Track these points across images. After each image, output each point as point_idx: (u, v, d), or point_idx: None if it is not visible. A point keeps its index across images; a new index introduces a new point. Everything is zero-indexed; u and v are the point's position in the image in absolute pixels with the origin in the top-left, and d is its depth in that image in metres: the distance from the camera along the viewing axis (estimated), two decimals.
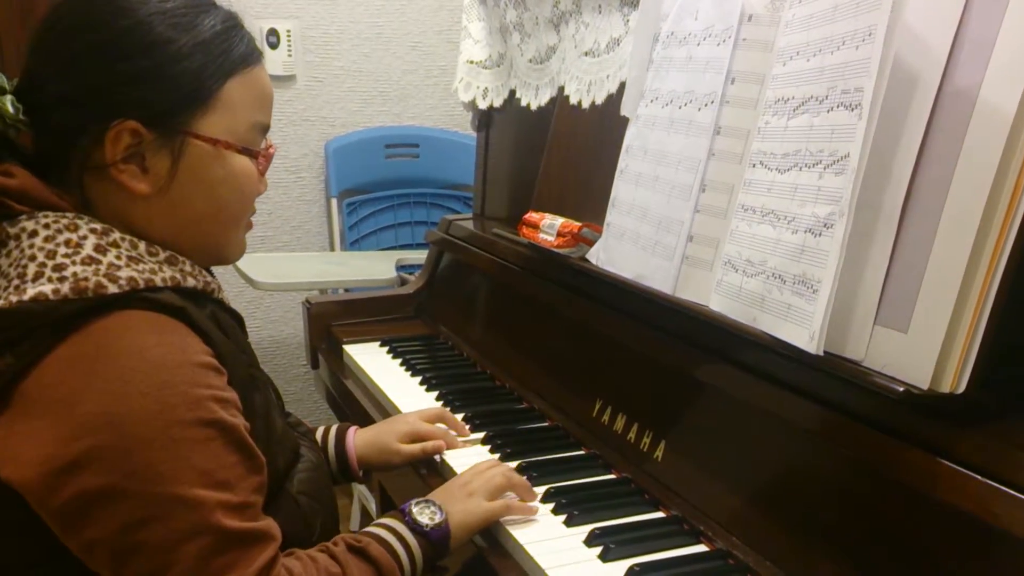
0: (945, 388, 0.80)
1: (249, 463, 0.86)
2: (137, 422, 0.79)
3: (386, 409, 1.48)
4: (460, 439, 1.28)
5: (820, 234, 0.90)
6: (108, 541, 0.79)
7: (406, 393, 1.49)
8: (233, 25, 0.94)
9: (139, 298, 0.85)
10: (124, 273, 0.85)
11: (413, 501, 1.03)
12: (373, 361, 1.64)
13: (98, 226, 0.87)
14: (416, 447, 1.23)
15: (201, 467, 0.81)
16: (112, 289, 0.84)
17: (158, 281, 0.87)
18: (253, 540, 0.84)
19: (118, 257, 0.86)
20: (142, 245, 0.89)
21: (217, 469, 0.82)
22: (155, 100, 0.89)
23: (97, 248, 0.86)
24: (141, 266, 0.87)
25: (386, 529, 0.98)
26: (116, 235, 0.88)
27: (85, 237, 0.86)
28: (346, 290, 2.49)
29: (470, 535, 1.04)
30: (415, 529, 0.98)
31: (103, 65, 0.88)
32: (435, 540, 0.99)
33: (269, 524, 0.87)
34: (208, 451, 0.82)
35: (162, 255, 0.90)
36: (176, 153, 0.90)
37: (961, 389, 0.80)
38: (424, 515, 1.00)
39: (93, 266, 0.84)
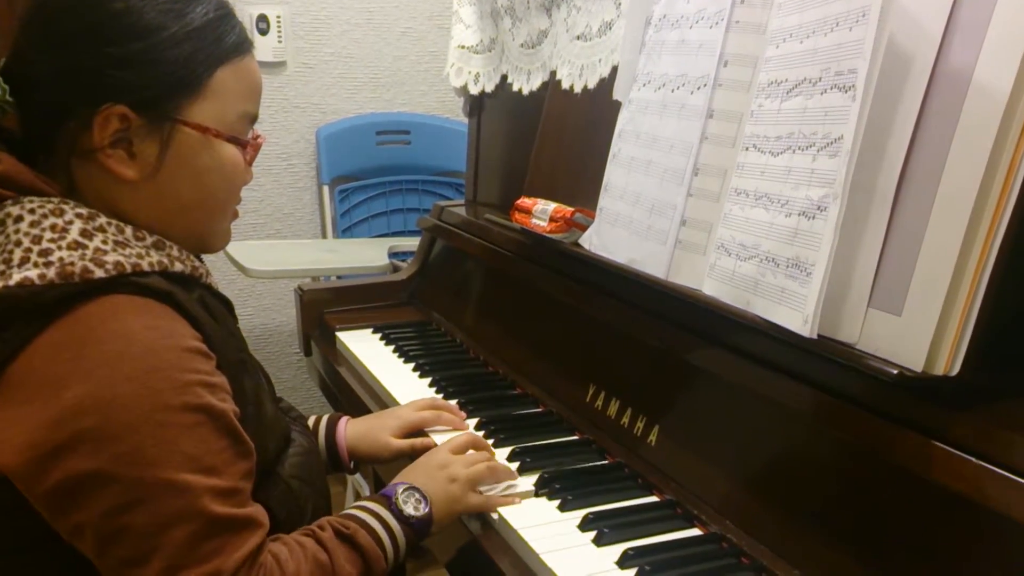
0: (939, 370, 0.80)
1: (237, 448, 0.86)
2: (124, 407, 0.79)
3: (379, 396, 1.48)
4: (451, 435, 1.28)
5: (814, 217, 0.89)
6: (95, 525, 0.79)
7: (399, 379, 1.48)
8: (225, 14, 0.94)
9: (126, 282, 0.84)
10: (111, 258, 0.84)
11: (399, 487, 1.02)
12: (366, 348, 1.64)
13: (84, 211, 0.87)
14: (405, 443, 1.23)
15: (189, 452, 0.81)
16: (99, 273, 0.83)
17: (145, 266, 0.86)
18: (240, 526, 0.83)
19: (104, 242, 0.85)
20: (129, 230, 0.89)
21: (205, 454, 0.82)
22: (145, 85, 0.88)
23: (83, 233, 0.85)
24: (128, 251, 0.86)
25: (372, 515, 0.98)
26: (102, 220, 0.87)
27: (71, 222, 0.85)
28: (338, 277, 2.48)
29: (451, 520, 1.06)
30: (400, 518, 0.99)
31: (94, 47, 0.87)
32: (418, 528, 1.00)
33: (257, 510, 0.87)
34: (196, 436, 0.82)
35: (149, 240, 0.90)
36: (165, 139, 0.89)
37: (955, 371, 0.80)
38: (409, 504, 1.00)
39: (79, 251, 0.83)
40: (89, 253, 0.84)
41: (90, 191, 0.90)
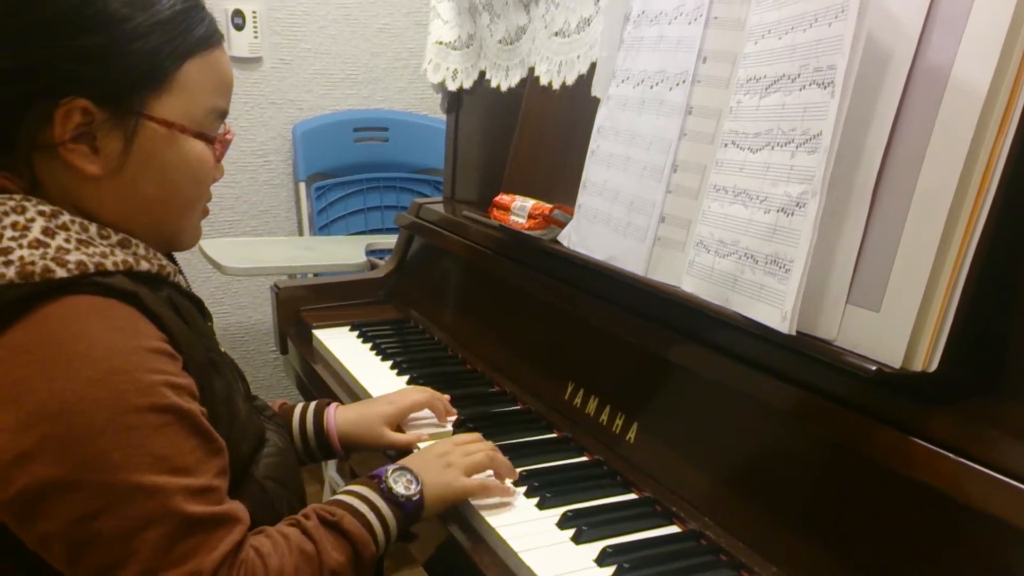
0: (917, 366, 0.80)
1: (208, 447, 0.84)
2: (87, 410, 0.77)
3: (356, 394, 1.47)
4: (433, 429, 1.27)
5: (792, 213, 0.89)
6: (63, 533, 0.77)
7: (376, 377, 1.47)
8: (194, 5, 0.91)
9: (89, 283, 0.82)
10: (73, 257, 0.82)
11: (389, 467, 1.01)
12: (343, 346, 1.63)
13: (47, 208, 0.84)
14: (404, 438, 1.22)
15: (157, 453, 0.79)
16: (60, 273, 0.81)
17: (109, 265, 0.84)
18: (217, 523, 0.82)
19: (67, 240, 0.83)
20: (93, 228, 0.86)
21: (175, 454, 0.80)
22: (108, 79, 0.85)
23: (45, 231, 0.83)
24: (91, 249, 0.84)
25: (359, 499, 0.96)
26: (66, 217, 0.85)
27: (33, 220, 0.83)
28: (315, 275, 2.46)
29: (444, 507, 1.04)
30: (389, 499, 0.97)
31: (55, 39, 0.84)
32: (409, 510, 0.98)
33: (235, 507, 0.85)
34: (164, 437, 0.80)
35: (114, 238, 0.87)
36: (129, 135, 0.87)
37: (933, 367, 0.80)
38: (400, 484, 0.99)
39: (41, 249, 0.81)
40: (51, 252, 0.81)
41: (53, 187, 0.87)
